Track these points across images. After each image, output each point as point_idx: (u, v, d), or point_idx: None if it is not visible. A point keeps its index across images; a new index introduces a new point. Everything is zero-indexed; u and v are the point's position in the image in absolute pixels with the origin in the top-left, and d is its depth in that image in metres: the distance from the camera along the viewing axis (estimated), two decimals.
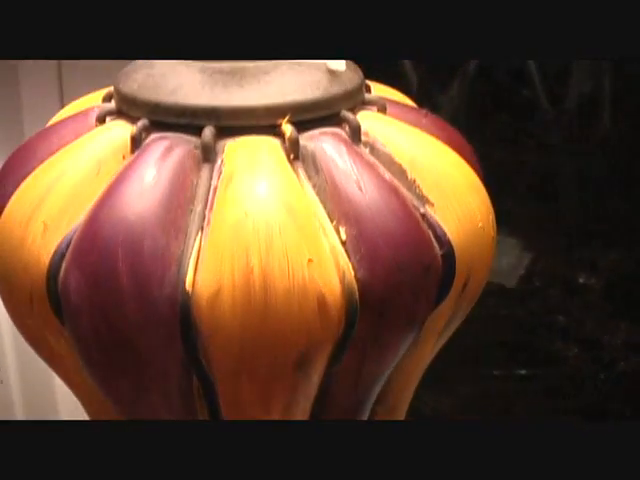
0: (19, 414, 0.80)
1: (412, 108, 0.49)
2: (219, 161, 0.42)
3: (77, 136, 0.45)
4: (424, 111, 0.49)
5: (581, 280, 1.23)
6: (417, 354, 0.46)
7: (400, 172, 0.44)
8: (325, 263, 0.39)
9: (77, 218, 0.42)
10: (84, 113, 0.47)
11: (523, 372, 1.09)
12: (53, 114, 0.51)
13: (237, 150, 0.42)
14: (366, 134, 0.44)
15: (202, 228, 0.40)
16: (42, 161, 0.45)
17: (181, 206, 0.41)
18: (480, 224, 0.44)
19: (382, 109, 0.46)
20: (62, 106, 0.52)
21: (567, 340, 1.13)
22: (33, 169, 0.45)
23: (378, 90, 0.49)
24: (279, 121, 0.42)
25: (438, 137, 0.47)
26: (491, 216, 0.46)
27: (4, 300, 0.45)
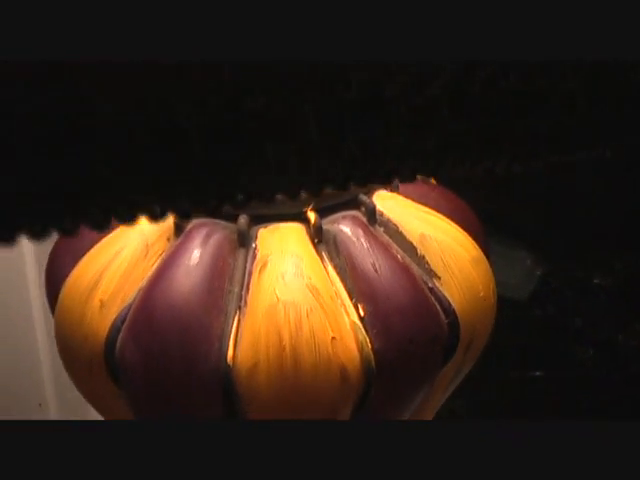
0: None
1: (423, 182, 0.58)
2: (253, 245, 0.50)
3: None
4: (433, 184, 0.58)
5: (596, 281, 1.29)
6: (429, 402, 0.55)
7: (411, 249, 0.52)
8: (346, 339, 0.48)
9: (130, 296, 0.51)
10: None
11: (538, 374, 1.16)
12: None
13: (268, 236, 0.51)
14: (381, 214, 0.53)
15: (239, 308, 0.49)
16: (93, 240, 0.54)
17: (221, 288, 0.49)
18: (481, 294, 0.53)
19: (395, 188, 0.55)
20: None
21: (582, 342, 1.20)
22: (88, 246, 0.53)
23: None
24: (304, 209, 0.51)
25: (445, 210, 0.55)
26: (491, 285, 0.54)
27: (66, 366, 0.54)
